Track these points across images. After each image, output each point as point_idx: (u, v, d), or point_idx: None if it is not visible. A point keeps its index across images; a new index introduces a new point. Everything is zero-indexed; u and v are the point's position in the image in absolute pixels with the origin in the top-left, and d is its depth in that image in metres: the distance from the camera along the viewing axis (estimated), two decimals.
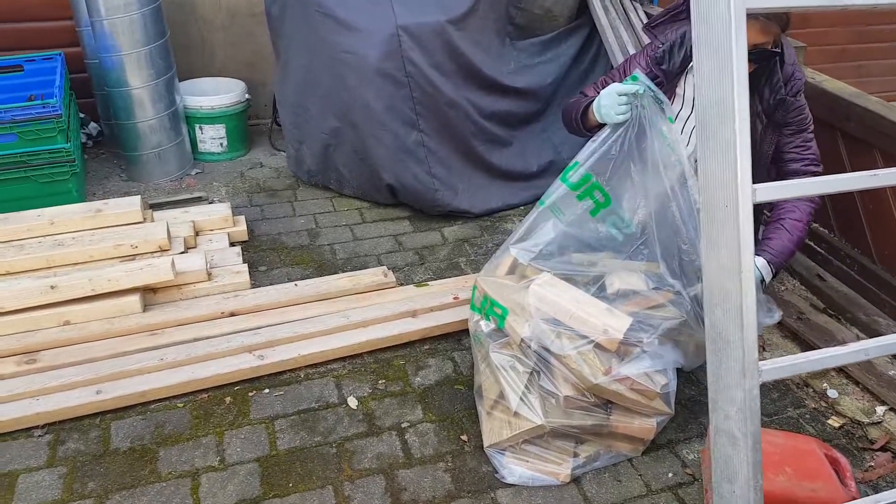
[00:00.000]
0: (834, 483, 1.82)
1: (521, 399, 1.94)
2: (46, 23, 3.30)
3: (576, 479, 1.92)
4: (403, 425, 2.05)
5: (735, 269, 1.38)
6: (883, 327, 2.41)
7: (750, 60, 1.97)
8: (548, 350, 1.91)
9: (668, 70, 2.18)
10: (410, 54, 2.73)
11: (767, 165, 2.21)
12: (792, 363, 1.46)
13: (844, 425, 2.14)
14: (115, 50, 2.93)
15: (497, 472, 1.92)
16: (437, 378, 2.22)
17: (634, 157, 1.93)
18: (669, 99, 2.25)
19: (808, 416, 2.17)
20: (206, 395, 2.11)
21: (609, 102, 1.92)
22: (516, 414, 1.93)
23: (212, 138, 3.37)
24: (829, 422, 2.15)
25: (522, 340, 1.94)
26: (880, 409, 2.19)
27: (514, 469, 1.93)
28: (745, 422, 1.42)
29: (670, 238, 1.97)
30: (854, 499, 1.79)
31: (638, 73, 1.97)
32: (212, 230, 2.80)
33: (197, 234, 2.74)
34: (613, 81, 2.16)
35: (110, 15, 2.87)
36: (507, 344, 2.01)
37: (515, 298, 2.03)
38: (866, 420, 2.16)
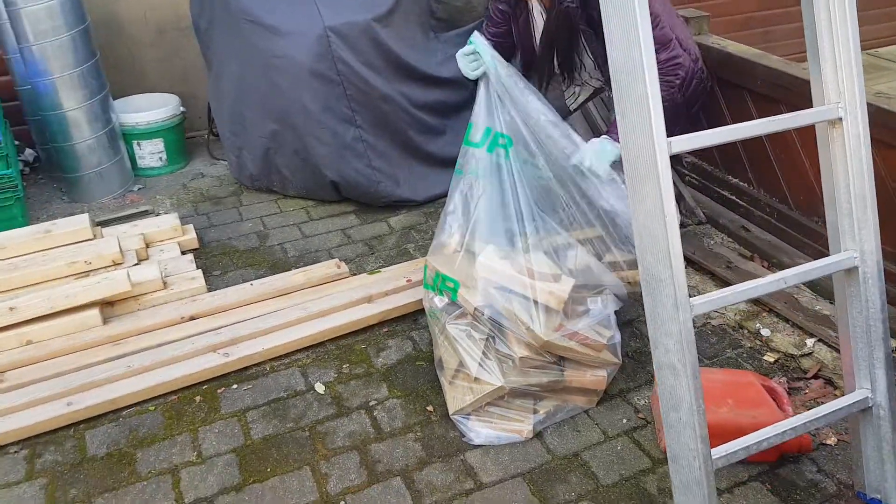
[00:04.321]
0: (773, 409, 1.98)
1: (479, 364, 2.05)
2: None
3: (538, 434, 2.04)
4: (371, 403, 2.14)
5: (659, 216, 1.51)
6: None
7: None
8: (500, 315, 2.03)
9: None
10: (340, 53, 2.81)
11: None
12: (720, 296, 1.61)
13: (779, 359, 2.32)
14: (46, 74, 2.94)
15: (464, 436, 2.02)
16: (398, 357, 2.32)
17: (506, 101, 2.15)
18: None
19: (745, 354, 2.33)
20: (175, 397, 2.16)
21: (462, 64, 2.24)
22: (477, 379, 2.04)
23: (151, 153, 3.39)
24: (765, 358, 2.33)
25: (476, 309, 2.05)
26: (810, 342, 2.37)
27: (480, 431, 2.04)
28: (683, 352, 1.54)
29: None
30: None
31: (474, 38, 2.23)
32: (162, 241, 2.83)
33: (148, 245, 2.77)
34: (490, 23, 2.53)
35: (39, 40, 2.87)
36: (462, 315, 2.12)
37: (465, 271, 2.15)
38: (798, 353, 2.35)
